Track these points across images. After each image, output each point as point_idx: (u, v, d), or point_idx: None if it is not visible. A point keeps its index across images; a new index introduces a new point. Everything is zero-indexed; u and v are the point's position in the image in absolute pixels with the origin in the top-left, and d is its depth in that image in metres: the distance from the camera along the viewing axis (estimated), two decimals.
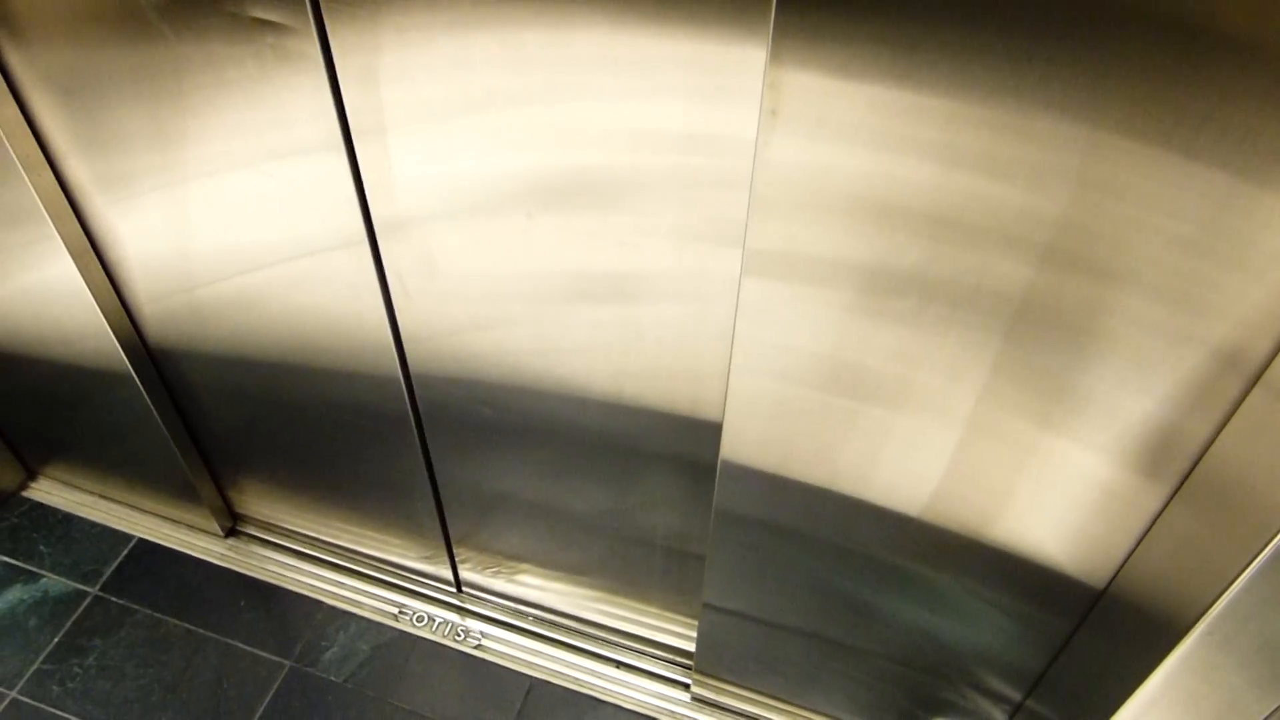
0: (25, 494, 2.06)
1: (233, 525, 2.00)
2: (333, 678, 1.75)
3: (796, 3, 0.78)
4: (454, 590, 1.88)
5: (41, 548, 1.96)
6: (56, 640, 1.80)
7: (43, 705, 1.71)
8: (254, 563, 1.93)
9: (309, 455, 1.70)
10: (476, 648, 1.80)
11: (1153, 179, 0.79)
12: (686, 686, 1.74)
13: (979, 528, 1.18)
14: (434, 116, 1.05)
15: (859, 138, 0.85)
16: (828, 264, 0.96)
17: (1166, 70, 0.73)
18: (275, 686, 1.74)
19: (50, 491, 2.06)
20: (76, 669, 1.76)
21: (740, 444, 1.20)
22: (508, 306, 1.23)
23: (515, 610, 1.84)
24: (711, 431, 1.25)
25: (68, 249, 1.42)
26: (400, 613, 1.85)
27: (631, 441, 1.35)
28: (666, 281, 1.11)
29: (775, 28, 0.80)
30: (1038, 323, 0.94)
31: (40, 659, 1.78)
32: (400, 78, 1.03)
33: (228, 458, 1.83)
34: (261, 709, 1.71)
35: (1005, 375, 1.00)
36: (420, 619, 1.84)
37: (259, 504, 1.93)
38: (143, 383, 1.63)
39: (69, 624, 1.83)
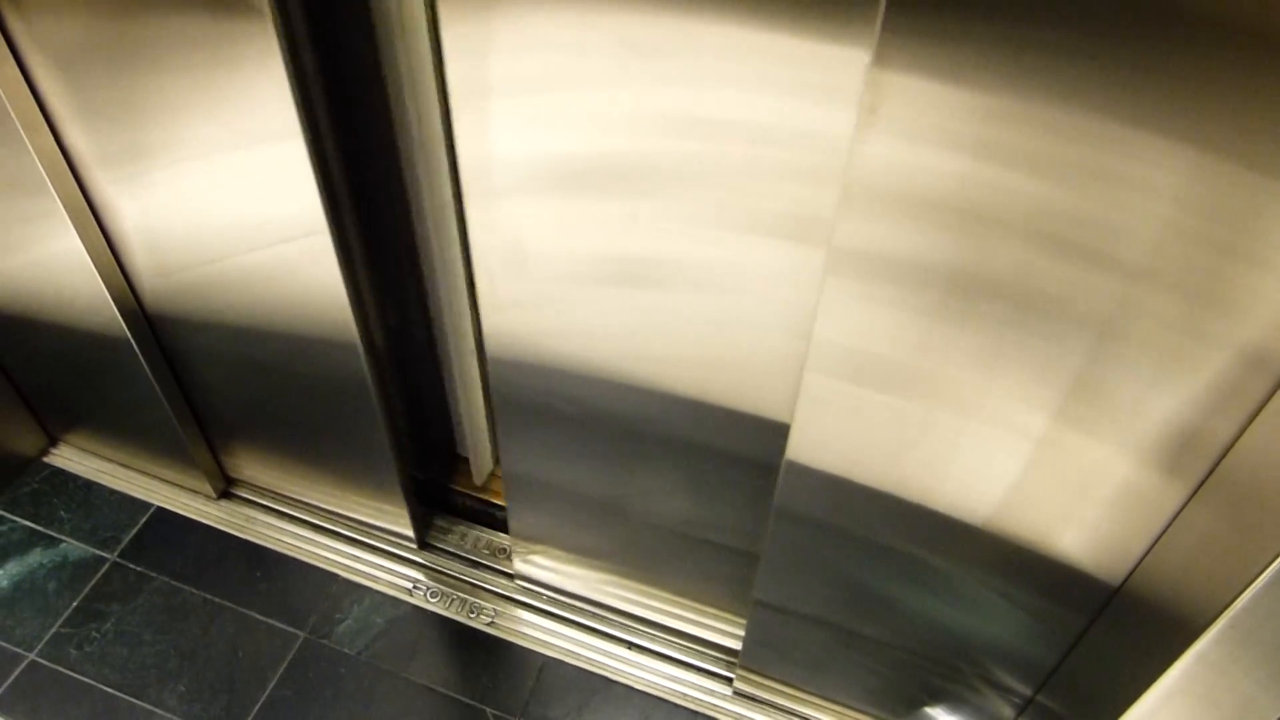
0: (46, 460, 2.08)
1: (226, 488, 2.01)
2: (346, 650, 1.77)
3: (906, 4, 0.77)
4: (476, 570, 1.90)
5: (62, 513, 1.98)
6: (75, 605, 1.82)
7: (60, 668, 1.73)
8: (270, 534, 1.95)
9: (310, 426, 1.72)
10: (490, 625, 1.81)
11: (1229, 191, 0.78)
12: (729, 681, 1.73)
13: (1015, 530, 1.18)
14: (534, 94, 1.03)
15: (957, 142, 0.84)
16: (913, 267, 0.95)
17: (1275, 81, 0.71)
18: (289, 657, 1.76)
19: (71, 458, 2.08)
20: (94, 633, 1.79)
21: (807, 444, 1.19)
22: (587, 291, 1.21)
23: (541, 594, 1.86)
24: (775, 430, 1.24)
25: (68, 215, 1.42)
26: (415, 588, 1.87)
27: (691, 435, 1.33)
28: (746, 276, 1.09)
29: (883, 27, 0.79)
30: (1069, 323, 0.94)
31: (59, 623, 1.80)
32: (504, 51, 1.00)
33: (225, 425, 1.85)
34: (276, 678, 1.73)
35: (1041, 376, 1.00)
36: (434, 594, 1.86)
37: (256, 471, 1.95)
38: (140, 350, 1.65)
39: (87, 589, 1.85)
